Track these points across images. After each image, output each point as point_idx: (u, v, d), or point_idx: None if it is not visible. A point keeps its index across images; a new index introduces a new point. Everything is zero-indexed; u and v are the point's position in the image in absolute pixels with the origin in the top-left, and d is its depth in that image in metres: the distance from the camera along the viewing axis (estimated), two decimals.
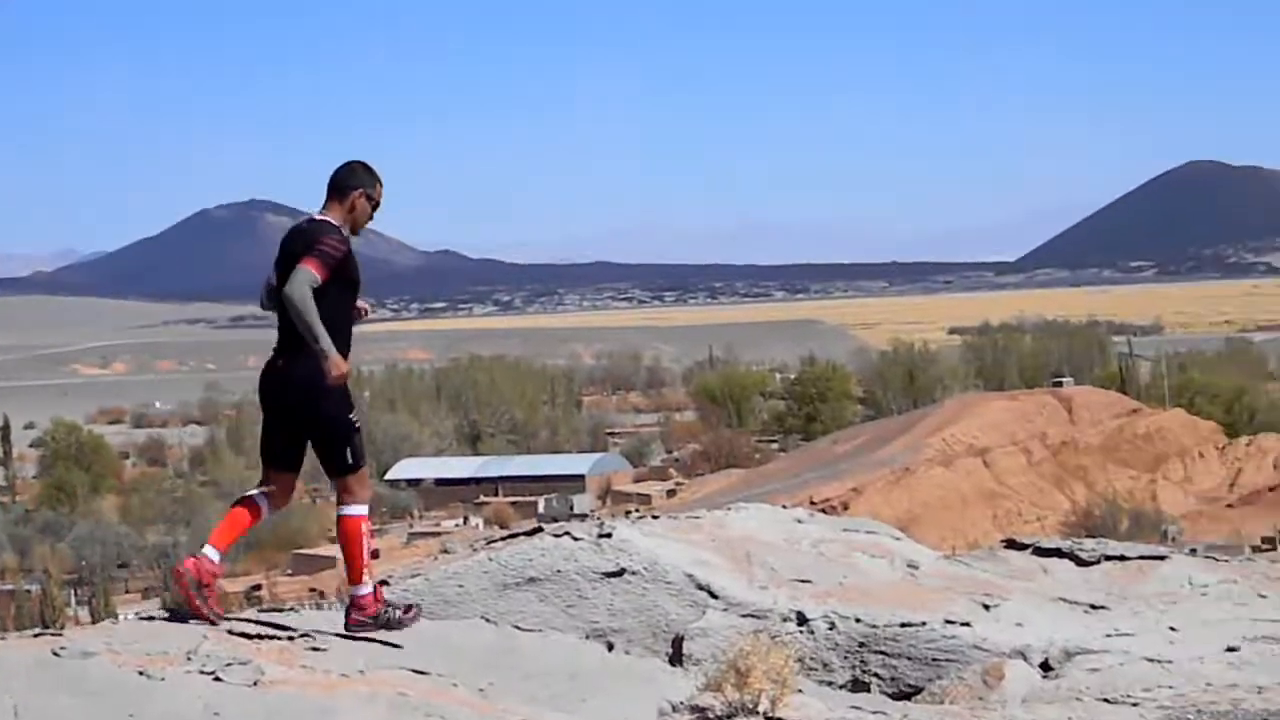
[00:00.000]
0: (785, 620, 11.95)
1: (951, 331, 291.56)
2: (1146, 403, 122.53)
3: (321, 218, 9.67)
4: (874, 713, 10.41)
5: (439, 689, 9.22)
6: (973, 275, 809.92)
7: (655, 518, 13.85)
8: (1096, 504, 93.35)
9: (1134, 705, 10.84)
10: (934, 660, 11.87)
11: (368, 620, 9.78)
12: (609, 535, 12.29)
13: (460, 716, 8.94)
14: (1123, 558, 14.36)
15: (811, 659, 11.77)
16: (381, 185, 9.92)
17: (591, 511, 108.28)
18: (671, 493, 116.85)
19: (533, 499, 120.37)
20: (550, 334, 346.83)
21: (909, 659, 11.89)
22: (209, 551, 9.64)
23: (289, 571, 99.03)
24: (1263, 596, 13.53)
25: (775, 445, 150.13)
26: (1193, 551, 16.58)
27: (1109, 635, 12.52)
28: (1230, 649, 12.21)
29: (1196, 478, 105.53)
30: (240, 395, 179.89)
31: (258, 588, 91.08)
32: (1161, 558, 14.44)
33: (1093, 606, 13.22)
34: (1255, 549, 75.90)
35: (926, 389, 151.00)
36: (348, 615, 9.86)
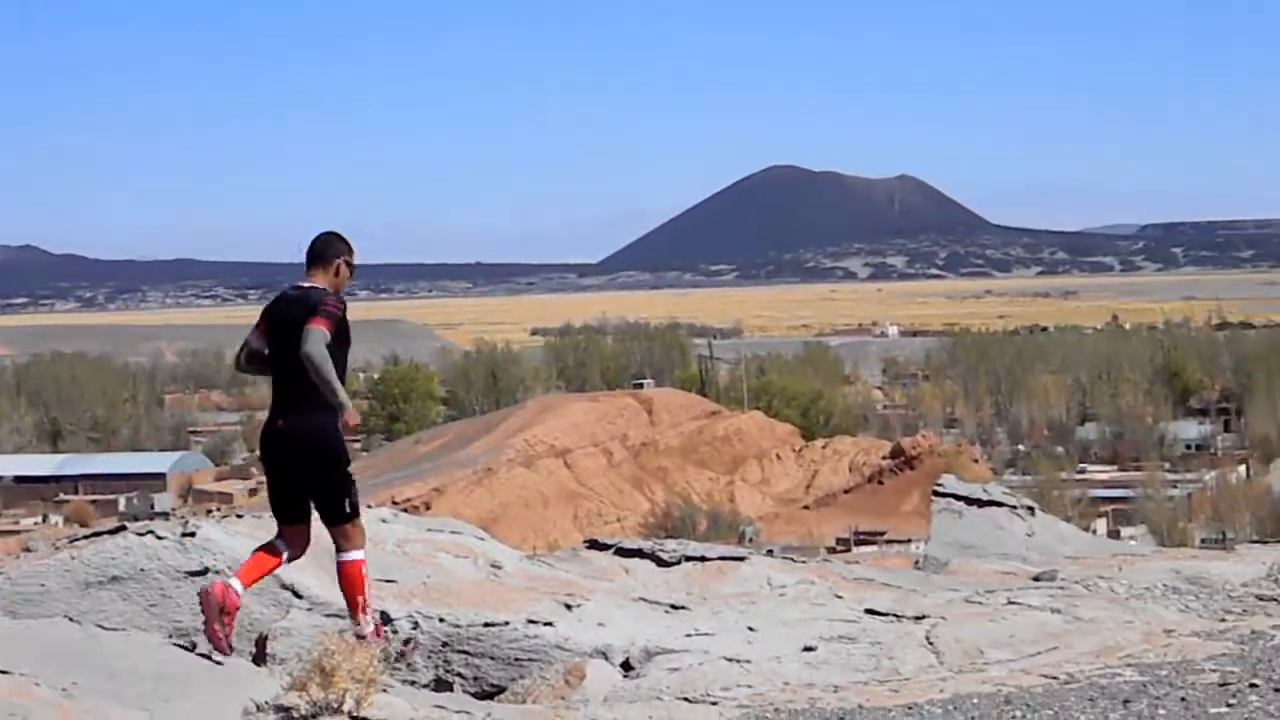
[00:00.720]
0: None
1: (534, 332, 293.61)
2: (726, 405, 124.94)
3: (312, 284, 10.52)
4: (458, 712, 10.38)
5: (21, 688, 8.96)
6: (555, 276, 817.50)
7: (239, 516, 13.64)
8: (676, 505, 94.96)
9: (713, 704, 11.01)
10: (516, 660, 11.90)
11: (376, 642, 10.35)
12: (193, 534, 12.08)
13: (43, 717, 8.69)
14: (703, 558, 14.60)
15: (396, 658, 11.72)
16: (355, 252, 10.86)
17: (173, 510, 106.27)
18: (254, 491, 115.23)
19: (113, 497, 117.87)
20: (133, 331, 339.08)
21: (492, 659, 11.91)
22: (235, 584, 10.27)
23: None
24: (839, 597, 13.88)
25: (358, 445, 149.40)
26: (770, 552, 16.97)
27: (689, 635, 12.71)
28: (807, 649, 12.50)
29: (774, 479, 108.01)
30: None
31: None
32: (740, 559, 14.72)
33: (673, 607, 13.40)
34: (831, 550, 78.04)
35: (509, 390, 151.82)
36: (360, 639, 10.22)
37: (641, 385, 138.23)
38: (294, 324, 10.26)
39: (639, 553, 14.73)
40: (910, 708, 10.61)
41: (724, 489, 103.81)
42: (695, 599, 13.72)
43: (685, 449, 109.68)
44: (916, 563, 16.35)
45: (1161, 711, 9.94)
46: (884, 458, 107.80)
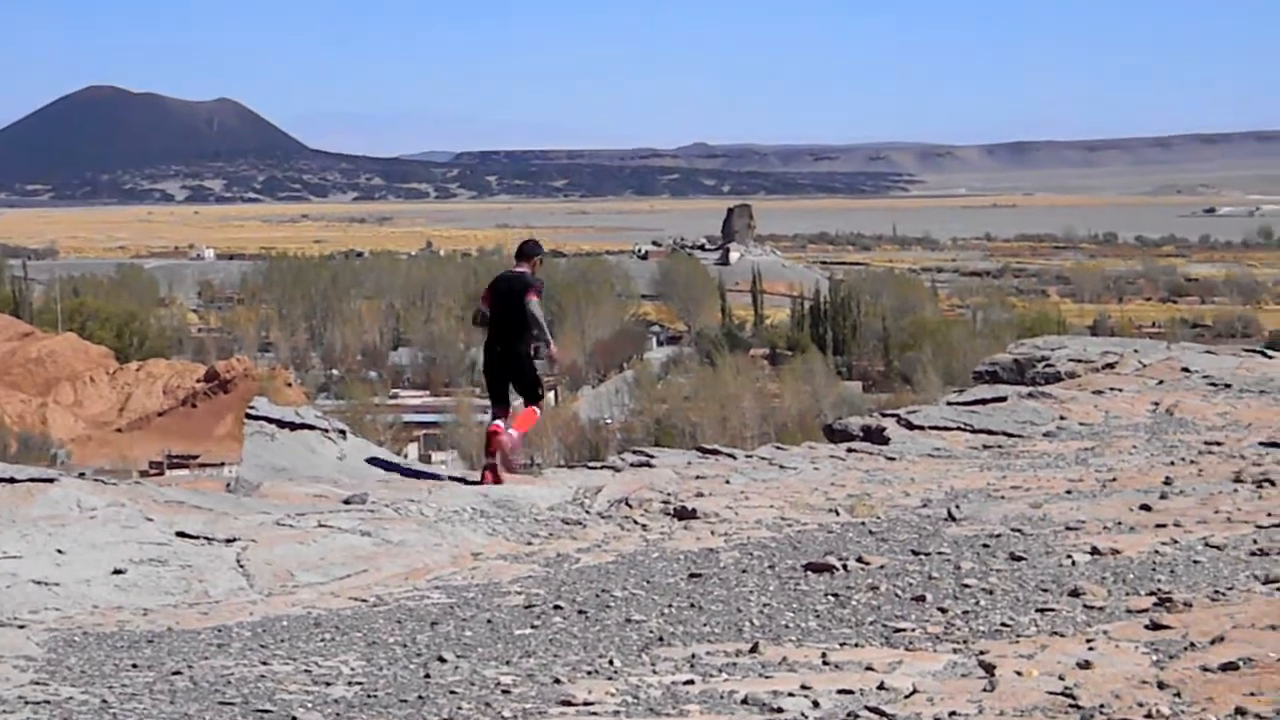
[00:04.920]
0: None
1: None
2: (39, 326, 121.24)
3: (522, 270, 16.71)
4: None
5: None
6: None
7: None
8: None
9: (21, 628, 10.81)
10: None
11: (518, 454, 16.87)
12: None
13: None
14: (12, 480, 14.24)
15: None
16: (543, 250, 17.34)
17: None
18: None
19: None
20: None
21: None
22: (510, 435, 16.59)
23: None
24: (149, 520, 13.76)
25: None
26: (82, 475, 16.62)
27: None
28: (117, 571, 12.38)
29: (87, 402, 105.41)
30: None
31: None
32: (50, 480, 14.43)
33: None
34: (143, 473, 76.81)
35: None
36: (505, 444, 16.50)
37: None
38: (514, 294, 16.44)
39: None
40: (220, 630, 10.64)
41: (36, 411, 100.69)
42: (4, 521, 13.39)
43: None
44: (228, 485, 16.32)
45: (468, 633, 10.24)
46: (198, 381, 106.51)
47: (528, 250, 17.01)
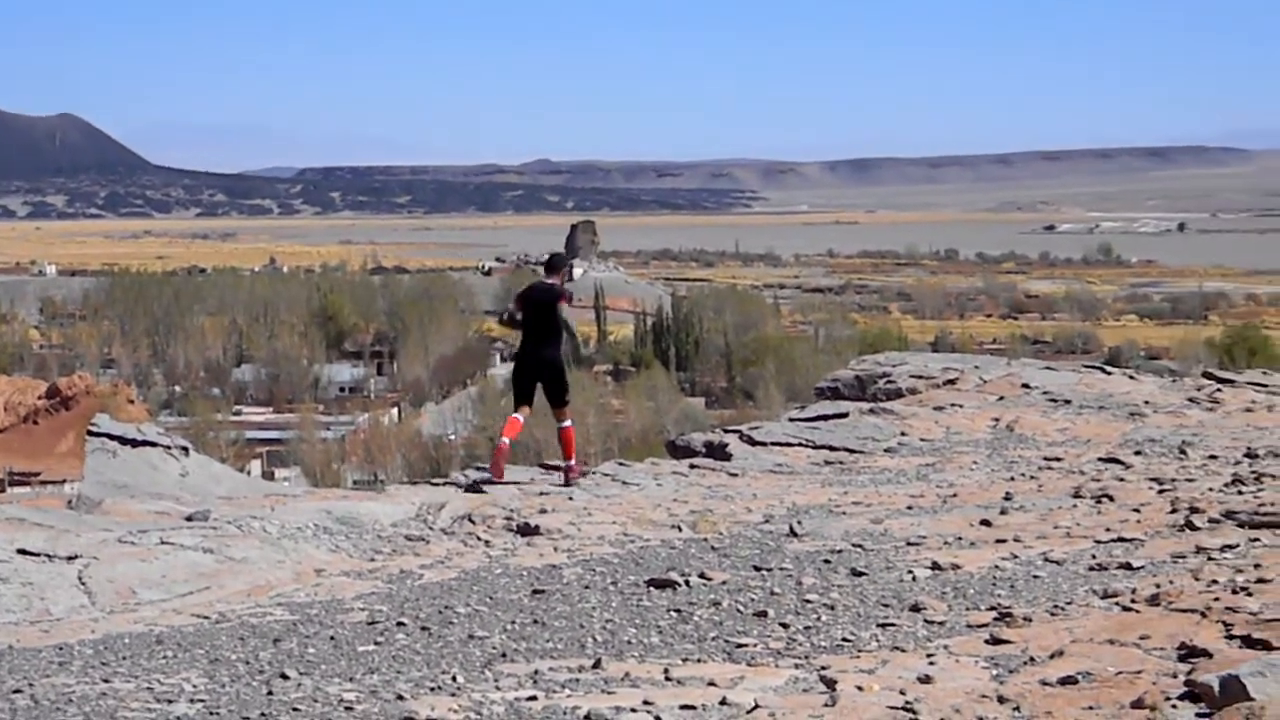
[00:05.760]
0: None
1: None
2: None
3: (552, 282, 18.38)
4: None
5: None
6: None
7: None
8: None
9: None
10: None
11: (577, 477, 17.95)
12: None
13: None
14: None
15: None
16: (570, 262, 21.37)
17: None
18: None
19: None
20: None
21: None
22: (505, 440, 17.84)
23: None
24: None
25: None
26: None
27: None
28: None
29: None
30: None
31: None
32: None
33: None
34: None
35: None
36: (568, 472, 17.95)
37: None
38: (546, 303, 18.06)
39: None
40: (61, 648, 10.53)
41: None
42: None
43: None
44: (70, 502, 16.14)
45: (311, 650, 10.19)
46: (40, 397, 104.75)
47: (556, 263, 19.08)
